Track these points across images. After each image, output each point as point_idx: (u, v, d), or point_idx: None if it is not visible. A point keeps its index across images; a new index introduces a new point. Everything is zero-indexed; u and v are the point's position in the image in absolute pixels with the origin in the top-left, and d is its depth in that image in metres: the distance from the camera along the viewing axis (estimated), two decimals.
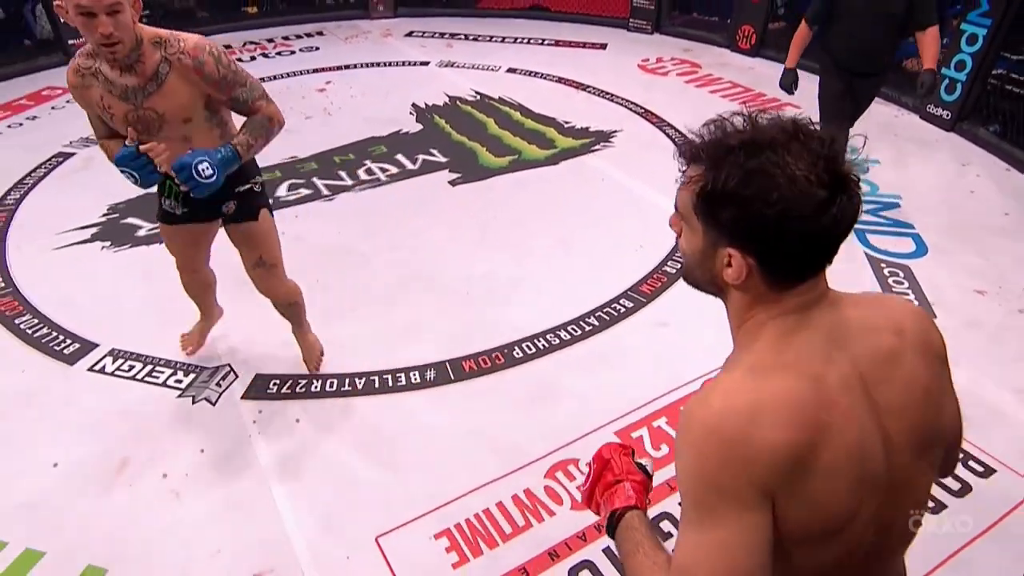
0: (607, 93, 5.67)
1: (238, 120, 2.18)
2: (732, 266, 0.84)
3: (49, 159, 4.72)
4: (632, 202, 4.06)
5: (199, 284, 2.67)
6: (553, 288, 3.34)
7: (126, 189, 4.24)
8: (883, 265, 3.47)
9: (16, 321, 3.13)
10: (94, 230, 3.88)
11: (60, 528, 2.24)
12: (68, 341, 3.02)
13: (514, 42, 7.07)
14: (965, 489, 2.33)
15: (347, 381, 2.78)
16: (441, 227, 3.87)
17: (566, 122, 5.12)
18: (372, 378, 2.80)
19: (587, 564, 2.10)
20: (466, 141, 4.88)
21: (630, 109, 5.36)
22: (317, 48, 7.02)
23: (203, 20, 7.48)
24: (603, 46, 6.89)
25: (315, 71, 6.36)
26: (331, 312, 3.15)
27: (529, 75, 6.13)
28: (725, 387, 0.83)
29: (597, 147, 4.75)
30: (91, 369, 2.88)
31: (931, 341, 0.92)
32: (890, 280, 3.35)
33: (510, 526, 2.21)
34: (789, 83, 3.73)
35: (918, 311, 0.96)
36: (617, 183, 4.26)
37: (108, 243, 3.76)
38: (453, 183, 4.34)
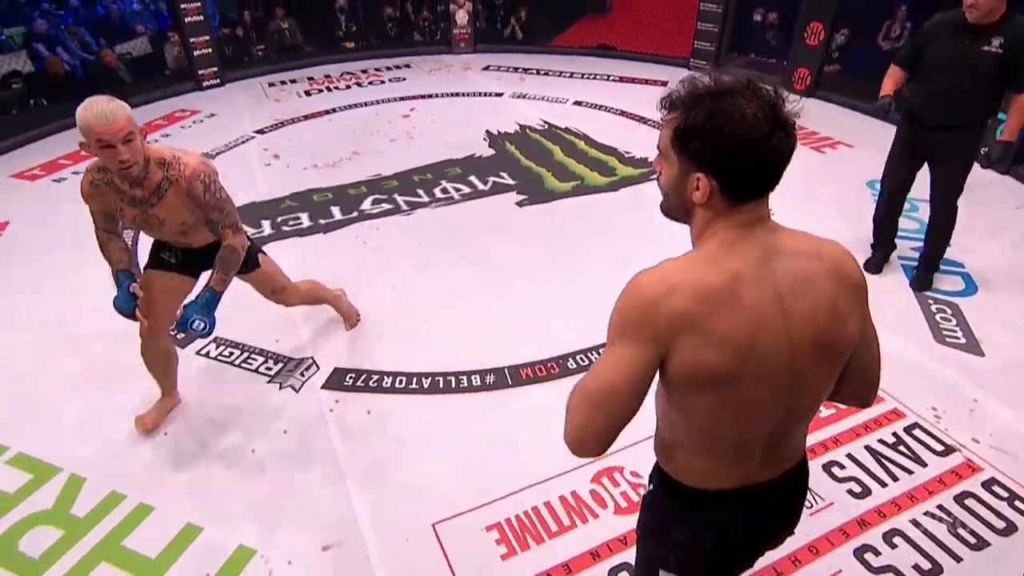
0: None
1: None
2: (699, 188, 1.00)
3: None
4: (686, 230, 3.96)
5: (161, 353, 2.47)
6: (608, 306, 3.28)
7: (238, 197, 4.44)
8: (931, 301, 3.27)
9: None
10: None
11: (162, 484, 2.34)
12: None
13: (582, 77, 7.08)
14: (1010, 528, 2.16)
15: (414, 380, 2.82)
16: (508, 243, 3.89)
17: (627, 152, 5.08)
18: (437, 378, 2.82)
19: (626, 566, 2.05)
20: (534, 166, 4.90)
21: None
22: (404, 79, 7.21)
23: (310, 53, 7.80)
24: (664, 83, 6.80)
25: (401, 99, 6.52)
26: (403, 316, 3.21)
27: (594, 108, 6.12)
28: (661, 268, 1.02)
29: (655, 176, 4.67)
30: (199, 353, 3.02)
31: (846, 271, 1.05)
32: (937, 316, 3.16)
33: (556, 525, 2.18)
34: (885, 106, 3.14)
35: (843, 249, 1.07)
36: None
37: None
38: (520, 204, 4.36)
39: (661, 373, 1.04)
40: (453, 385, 2.79)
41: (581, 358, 2.92)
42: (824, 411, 2.61)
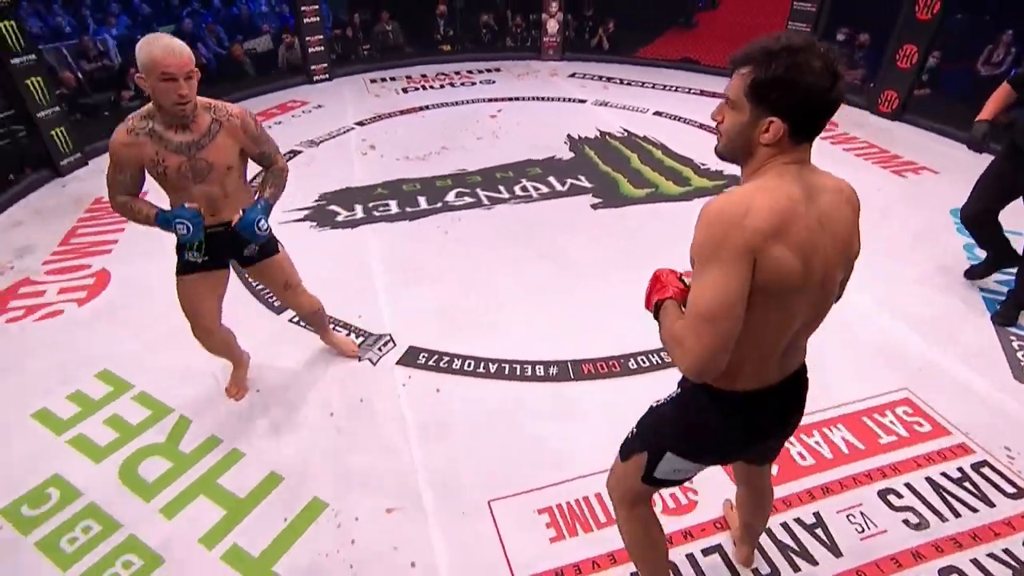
0: None
1: None
2: (770, 131, 1.11)
3: (284, 154, 5.21)
4: None
5: (219, 343, 2.46)
6: None
7: (336, 182, 4.68)
8: (1013, 338, 3.00)
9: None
10: (306, 212, 4.26)
11: (253, 435, 2.48)
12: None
13: (664, 89, 6.92)
14: None
15: (482, 364, 2.85)
16: (581, 243, 3.86)
17: (702, 164, 4.93)
18: (503, 365, 2.84)
19: (669, 564, 2.00)
20: (611, 171, 4.83)
21: None
22: (494, 82, 7.26)
23: (409, 54, 7.98)
24: None
25: (490, 100, 6.58)
26: (477, 303, 3.24)
27: (674, 119, 5.97)
28: (733, 195, 1.10)
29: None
30: (291, 321, 3.15)
31: (854, 201, 1.21)
32: (1019, 354, 2.90)
33: (605, 516, 2.16)
34: (980, 135, 2.91)
35: (848, 184, 1.22)
36: None
37: (314, 223, 4.11)
38: (595, 207, 4.32)
39: None
40: (518, 373, 2.80)
41: (642, 359, 2.86)
42: (884, 437, 2.46)
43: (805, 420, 2.49)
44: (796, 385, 1.35)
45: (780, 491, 2.22)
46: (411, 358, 2.89)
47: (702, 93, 6.73)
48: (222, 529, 2.14)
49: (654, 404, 1.49)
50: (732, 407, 1.30)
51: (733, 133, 1.17)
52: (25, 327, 3.16)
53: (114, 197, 2.08)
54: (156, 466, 2.38)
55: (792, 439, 2.44)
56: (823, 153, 5.13)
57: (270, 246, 2.37)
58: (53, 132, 4.82)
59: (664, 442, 1.41)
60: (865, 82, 6.40)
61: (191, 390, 2.69)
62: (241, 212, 2.14)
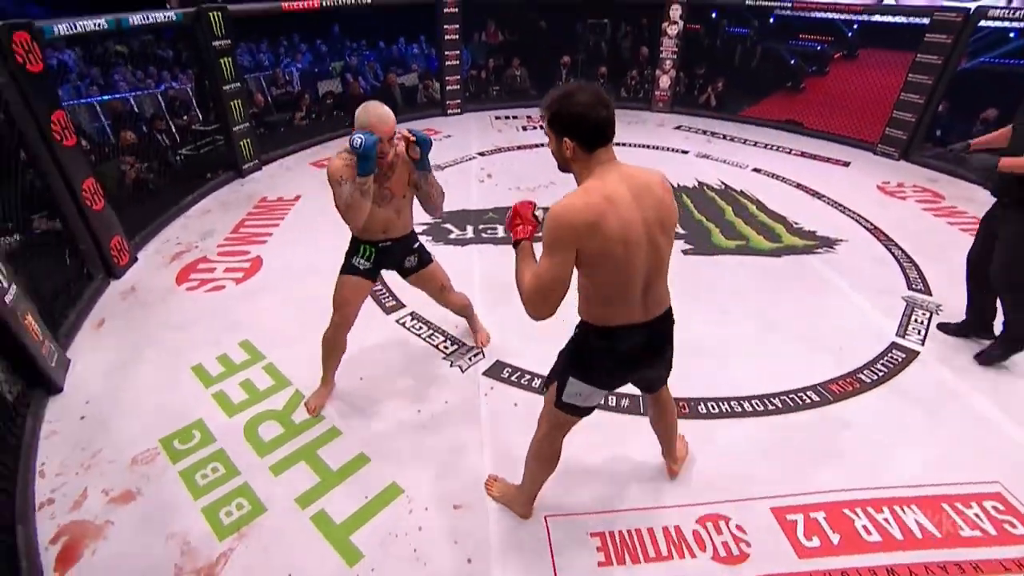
0: (840, 205, 4.91)
1: None
2: (568, 148, 1.47)
3: None
4: (842, 307, 3.45)
5: (340, 345, 2.55)
6: (749, 363, 2.96)
7: (455, 203, 4.79)
8: None
9: None
10: (425, 227, 4.38)
11: (350, 418, 2.55)
12: (389, 297, 3.44)
13: (765, 147, 6.51)
14: None
15: None
16: (669, 285, 3.67)
17: (796, 223, 4.56)
18: None
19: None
20: (704, 220, 4.60)
21: (860, 223, 4.57)
22: None
23: (533, 96, 8.11)
24: (846, 164, 6.02)
25: None
26: (564, 332, 3.17)
27: (771, 177, 5.59)
28: (566, 200, 1.43)
29: (820, 250, 4.13)
30: (398, 322, 3.23)
31: (665, 184, 1.54)
32: None
33: (655, 551, 2.01)
34: (959, 149, 2.80)
35: (660, 173, 1.55)
36: (832, 286, 3.65)
37: (431, 237, 4.21)
38: (686, 252, 4.11)
39: (577, 261, 1.47)
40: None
41: (712, 405, 2.66)
42: (967, 530, 2.10)
43: (873, 493, 2.20)
44: (661, 323, 1.67)
45: (840, 562, 1.96)
46: (496, 371, 2.86)
47: (803, 154, 6.27)
48: (314, 494, 2.22)
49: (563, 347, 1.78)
50: (609, 339, 1.62)
51: (555, 155, 1.54)
52: (197, 296, 3.49)
53: (338, 198, 2.18)
54: (271, 429, 2.52)
55: (858, 510, 2.14)
56: (923, 223, 4.58)
57: (425, 257, 2.60)
58: (241, 143, 5.35)
59: (567, 370, 1.72)
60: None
61: (307, 372, 2.82)
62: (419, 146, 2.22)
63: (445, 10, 6.87)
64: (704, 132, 7.01)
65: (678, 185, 5.30)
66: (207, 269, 3.79)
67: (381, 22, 8.60)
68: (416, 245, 2.56)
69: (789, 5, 6.70)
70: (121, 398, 2.68)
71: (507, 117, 7.53)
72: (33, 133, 3.10)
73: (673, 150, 6.36)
